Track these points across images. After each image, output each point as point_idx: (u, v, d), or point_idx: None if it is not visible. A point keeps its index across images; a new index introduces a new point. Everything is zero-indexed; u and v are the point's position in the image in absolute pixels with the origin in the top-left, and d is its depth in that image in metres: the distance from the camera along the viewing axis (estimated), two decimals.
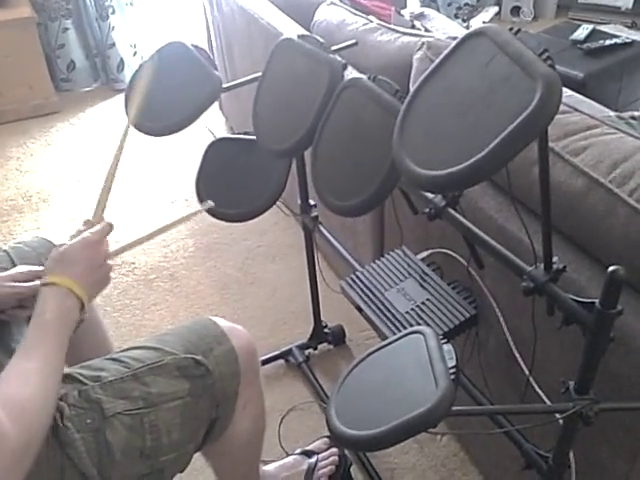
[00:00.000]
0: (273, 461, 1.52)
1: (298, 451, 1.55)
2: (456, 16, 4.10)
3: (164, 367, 1.06)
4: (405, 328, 1.13)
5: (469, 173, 0.68)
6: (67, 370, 1.03)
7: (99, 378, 1.02)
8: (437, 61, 0.80)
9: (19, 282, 1.10)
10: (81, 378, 1.01)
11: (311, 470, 1.50)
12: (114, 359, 1.07)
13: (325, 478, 1.50)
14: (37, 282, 1.10)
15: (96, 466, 0.96)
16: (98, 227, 1.01)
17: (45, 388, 0.85)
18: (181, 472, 1.11)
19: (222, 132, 2.95)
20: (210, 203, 1.23)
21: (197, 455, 1.16)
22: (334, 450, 1.55)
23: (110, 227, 1.03)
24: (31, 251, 1.24)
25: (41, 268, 1.13)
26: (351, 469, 1.55)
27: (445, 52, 0.80)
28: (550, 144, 1.06)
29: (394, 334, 1.08)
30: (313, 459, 1.52)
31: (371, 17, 1.84)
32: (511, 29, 0.75)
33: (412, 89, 0.83)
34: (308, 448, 1.56)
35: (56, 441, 0.95)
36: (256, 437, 1.28)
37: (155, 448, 1.01)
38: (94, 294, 0.98)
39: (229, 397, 1.12)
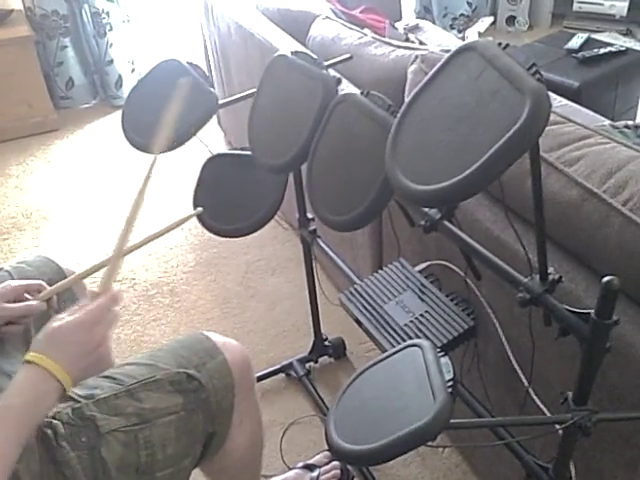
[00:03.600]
0: (274, 475, 1.51)
1: (300, 465, 1.55)
2: (451, 27, 4.13)
3: (157, 382, 1.06)
4: (404, 340, 1.13)
5: (460, 188, 0.68)
6: None
7: (92, 396, 1.02)
8: (428, 76, 0.81)
9: (10, 301, 1.07)
10: (74, 396, 1.01)
11: None
12: (107, 377, 1.07)
13: None
14: (30, 301, 1.08)
15: None
16: (99, 302, 0.89)
17: None
18: None
19: (220, 146, 2.96)
20: (199, 209, 1.30)
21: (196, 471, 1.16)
22: (336, 464, 1.54)
23: (115, 300, 0.91)
24: (33, 270, 1.24)
25: (34, 282, 1.11)
26: None
27: (436, 67, 0.81)
28: (544, 155, 1.07)
29: (393, 347, 1.08)
30: (315, 473, 1.52)
31: (366, 30, 1.85)
32: (500, 44, 0.76)
33: (404, 104, 0.84)
34: (310, 462, 1.55)
35: (51, 460, 0.94)
36: (254, 452, 1.28)
37: (150, 464, 1.01)
38: (81, 378, 0.88)
39: (224, 410, 1.12)
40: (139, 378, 1.06)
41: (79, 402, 1.01)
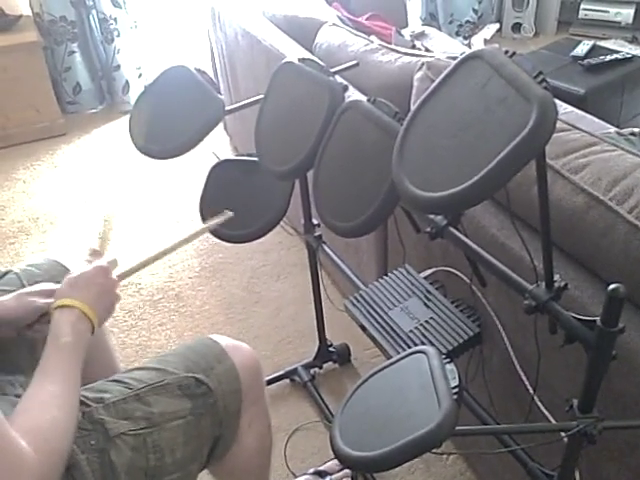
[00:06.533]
0: None
1: (311, 471, 1.55)
2: (457, 34, 4.14)
3: (166, 387, 1.07)
4: (409, 347, 1.13)
5: (467, 195, 0.68)
6: None
7: (102, 399, 1.03)
8: (434, 84, 0.81)
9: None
10: (84, 400, 1.02)
11: None
12: (116, 380, 1.08)
13: None
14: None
15: None
16: (108, 259, 1.07)
17: (67, 412, 0.86)
18: None
19: (226, 152, 2.97)
20: (229, 213, 1.32)
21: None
22: (347, 471, 1.54)
23: (116, 262, 1.09)
24: (42, 273, 1.25)
25: (59, 286, 1.13)
26: None
27: (442, 75, 0.81)
28: (550, 162, 1.07)
29: (398, 353, 1.08)
30: None
31: (372, 37, 1.86)
32: (507, 51, 0.76)
33: (411, 111, 0.84)
34: (321, 468, 1.55)
35: None
36: (263, 455, 1.28)
37: (159, 468, 1.02)
38: (103, 319, 1.01)
39: (232, 415, 1.12)
40: (148, 382, 1.06)
41: (89, 406, 1.01)
